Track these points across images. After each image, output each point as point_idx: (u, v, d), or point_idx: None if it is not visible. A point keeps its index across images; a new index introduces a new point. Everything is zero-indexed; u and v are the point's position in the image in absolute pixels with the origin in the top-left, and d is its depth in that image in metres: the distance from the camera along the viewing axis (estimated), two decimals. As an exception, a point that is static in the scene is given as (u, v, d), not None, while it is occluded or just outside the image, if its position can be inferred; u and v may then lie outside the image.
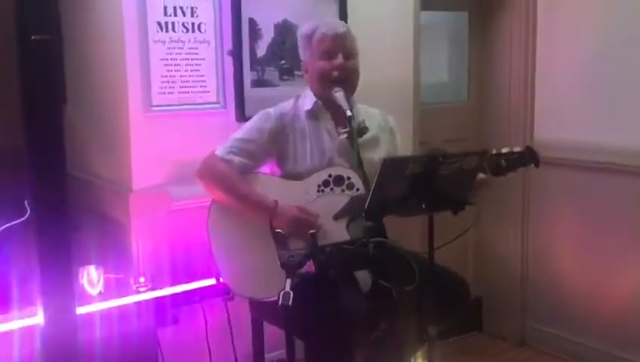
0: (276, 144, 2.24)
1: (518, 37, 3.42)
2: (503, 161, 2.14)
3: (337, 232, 2.09)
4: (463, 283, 2.30)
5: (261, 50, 2.67)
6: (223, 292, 2.35)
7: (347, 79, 2.23)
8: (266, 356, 2.49)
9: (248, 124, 2.31)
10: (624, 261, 3.06)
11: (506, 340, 3.57)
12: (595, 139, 3.14)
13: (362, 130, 2.15)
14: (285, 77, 2.72)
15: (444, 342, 3.10)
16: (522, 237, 3.51)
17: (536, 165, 2.21)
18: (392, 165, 1.89)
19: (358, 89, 2.45)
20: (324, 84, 2.23)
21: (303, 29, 2.32)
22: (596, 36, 3.11)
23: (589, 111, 3.17)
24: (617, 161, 3.03)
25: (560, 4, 3.26)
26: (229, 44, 2.59)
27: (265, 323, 2.39)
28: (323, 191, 2.17)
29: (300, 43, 2.32)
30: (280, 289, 1.94)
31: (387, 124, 2.41)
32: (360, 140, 2.14)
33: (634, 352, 3.01)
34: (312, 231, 1.86)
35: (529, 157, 2.19)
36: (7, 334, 2.02)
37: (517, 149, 2.18)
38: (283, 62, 2.70)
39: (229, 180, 2.17)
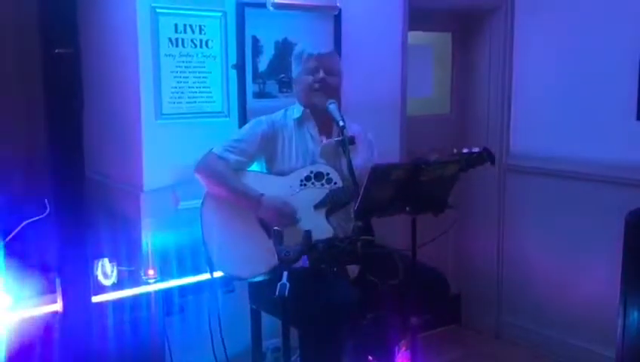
0: (267, 145, 2.34)
1: (497, 56, 3.46)
2: (464, 160, 2.19)
3: (318, 221, 2.20)
4: (443, 278, 2.34)
5: (262, 65, 2.70)
6: (223, 284, 2.40)
7: (326, 91, 2.32)
8: (264, 343, 2.51)
9: (243, 128, 2.43)
10: (590, 260, 3.10)
11: (482, 333, 3.60)
12: (564, 150, 3.19)
13: (352, 139, 2.22)
14: (284, 89, 2.75)
15: (425, 333, 3.14)
16: (498, 239, 3.54)
17: (492, 163, 2.25)
18: (380, 171, 1.94)
19: (351, 101, 2.51)
20: (309, 95, 2.34)
21: (294, 51, 2.46)
22: (568, 58, 3.16)
23: (560, 126, 3.21)
24: (583, 170, 3.09)
25: (535, 28, 3.31)
26: (233, 59, 2.62)
27: (263, 314, 2.43)
28: (305, 185, 2.27)
29: (293, 63, 2.44)
30: (262, 270, 2.13)
31: (366, 137, 2.48)
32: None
33: (598, 344, 3.05)
34: (307, 229, 1.91)
35: (486, 156, 2.24)
36: (29, 320, 2.05)
37: (475, 150, 2.23)
38: (282, 75, 2.73)
39: (223, 175, 2.27)
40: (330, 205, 2.24)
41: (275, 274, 1.79)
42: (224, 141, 2.33)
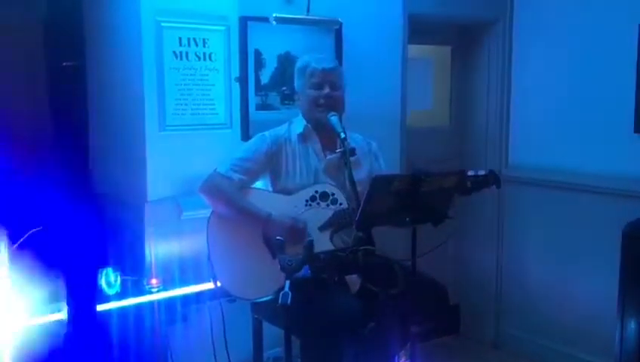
0: (271, 163, 2.33)
1: (495, 70, 3.50)
2: (469, 183, 2.20)
3: (322, 242, 2.17)
4: (443, 288, 2.34)
5: (265, 78, 2.73)
6: (226, 294, 2.41)
7: (332, 106, 2.32)
8: (265, 353, 2.51)
9: (247, 145, 2.40)
10: (588, 271, 3.11)
11: (481, 343, 3.61)
12: (562, 162, 3.21)
13: (352, 150, 2.23)
14: (286, 101, 2.77)
15: (424, 342, 3.15)
16: (497, 249, 3.56)
17: (498, 187, 2.27)
18: (381, 182, 1.96)
19: (351, 114, 2.53)
20: (313, 110, 2.34)
21: (298, 64, 2.44)
22: (566, 70, 3.19)
23: (558, 138, 3.24)
24: (581, 182, 3.11)
25: (534, 41, 3.34)
26: (236, 72, 2.63)
27: (264, 323, 2.43)
28: (310, 205, 2.26)
29: (295, 75, 2.43)
30: (266, 293, 2.12)
31: (370, 148, 2.47)
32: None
33: (596, 354, 3.06)
34: (309, 239, 1.93)
35: (492, 179, 2.25)
36: (34, 328, 2.06)
37: (481, 173, 2.24)
38: (284, 88, 2.75)
39: (229, 195, 2.25)
40: (335, 227, 2.23)
41: (278, 295, 1.79)
42: (228, 160, 2.31)
